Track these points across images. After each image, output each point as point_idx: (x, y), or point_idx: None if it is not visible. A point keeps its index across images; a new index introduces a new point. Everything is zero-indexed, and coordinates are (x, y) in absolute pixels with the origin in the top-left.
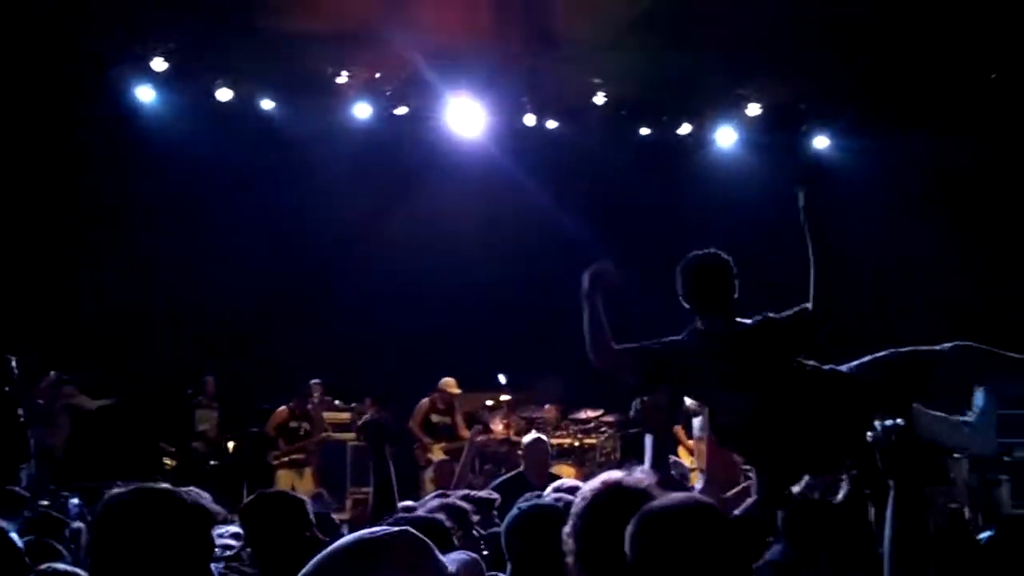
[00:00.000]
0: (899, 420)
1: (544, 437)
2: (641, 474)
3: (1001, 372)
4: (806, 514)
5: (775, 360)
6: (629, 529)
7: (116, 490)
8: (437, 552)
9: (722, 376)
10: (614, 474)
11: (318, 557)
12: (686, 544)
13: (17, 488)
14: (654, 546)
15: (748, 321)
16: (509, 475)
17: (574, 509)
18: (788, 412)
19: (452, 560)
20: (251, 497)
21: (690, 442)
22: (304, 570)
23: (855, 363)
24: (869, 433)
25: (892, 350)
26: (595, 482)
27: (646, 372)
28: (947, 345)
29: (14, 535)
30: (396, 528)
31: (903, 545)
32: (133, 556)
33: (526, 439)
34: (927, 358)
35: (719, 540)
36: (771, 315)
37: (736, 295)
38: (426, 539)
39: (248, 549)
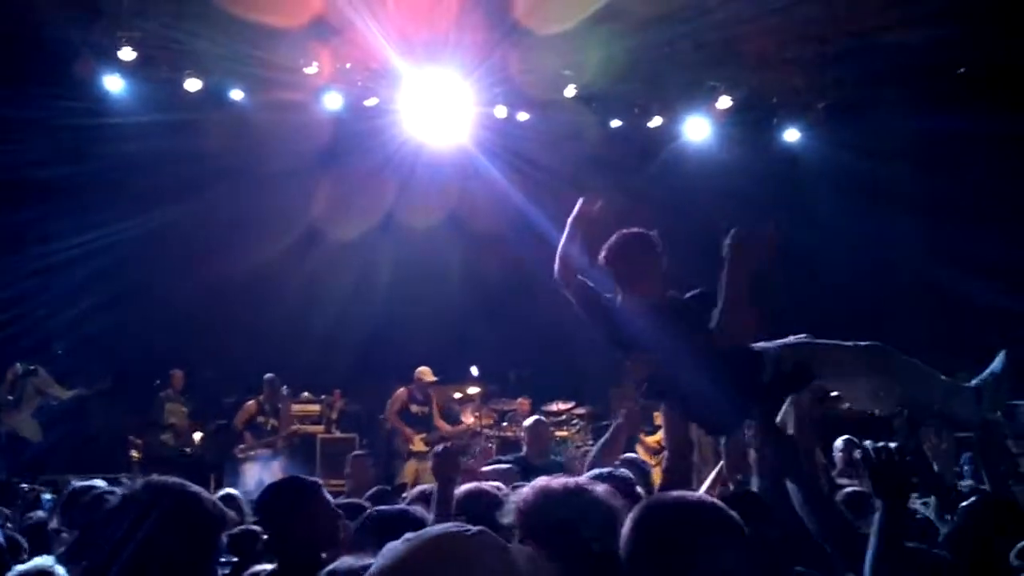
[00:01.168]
0: (890, 442)
1: (544, 419)
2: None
3: (904, 380)
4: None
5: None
6: (627, 524)
7: (148, 480)
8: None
9: (644, 339)
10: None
11: (396, 552)
12: (688, 542)
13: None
14: (654, 543)
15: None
16: (511, 458)
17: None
18: (694, 375)
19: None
20: (268, 485)
21: (649, 439)
22: (383, 563)
23: (777, 343)
24: (858, 451)
25: (808, 339)
26: (528, 491)
27: (589, 311)
28: (860, 343)
29: None
30: (475, 528)
31: (884, 562)
32: (149, 547)
33: (527, 422)
34: (832, 351)
35: (724, 538)
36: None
37: (661, 270)
38: (488, 541)
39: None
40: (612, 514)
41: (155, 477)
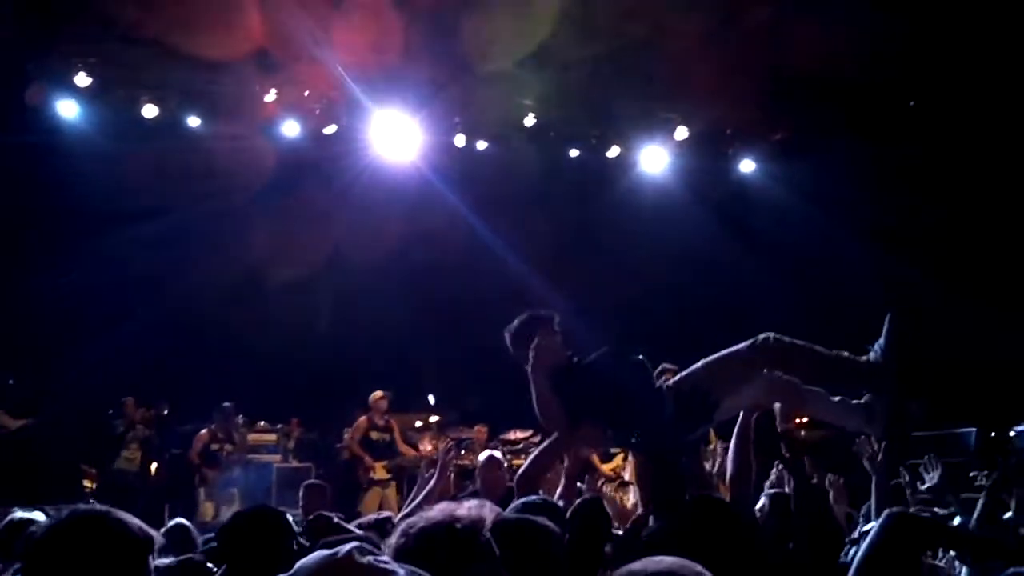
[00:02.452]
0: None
1: (498, 455)
2: (477, 505)
3: (805, 366)
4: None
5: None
6: None
7: (57, 513)
8: (394, 567)
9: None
10: (448, 508)
11: None
12: None
13: None
14: None
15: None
16: (465, 495)
17: (397, 545)
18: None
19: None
20: (232, 515)
21: (605, 467)
22: None
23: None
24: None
25: (703, 361)
26: (422, 518)
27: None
28: (749, 342)
29: None
30: (348, 546)
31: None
32: None
33: (480, 458)
34: (720, 366)
35: None
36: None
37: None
38: (375, 564)
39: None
40: (483, 547)
41: (79, 506)
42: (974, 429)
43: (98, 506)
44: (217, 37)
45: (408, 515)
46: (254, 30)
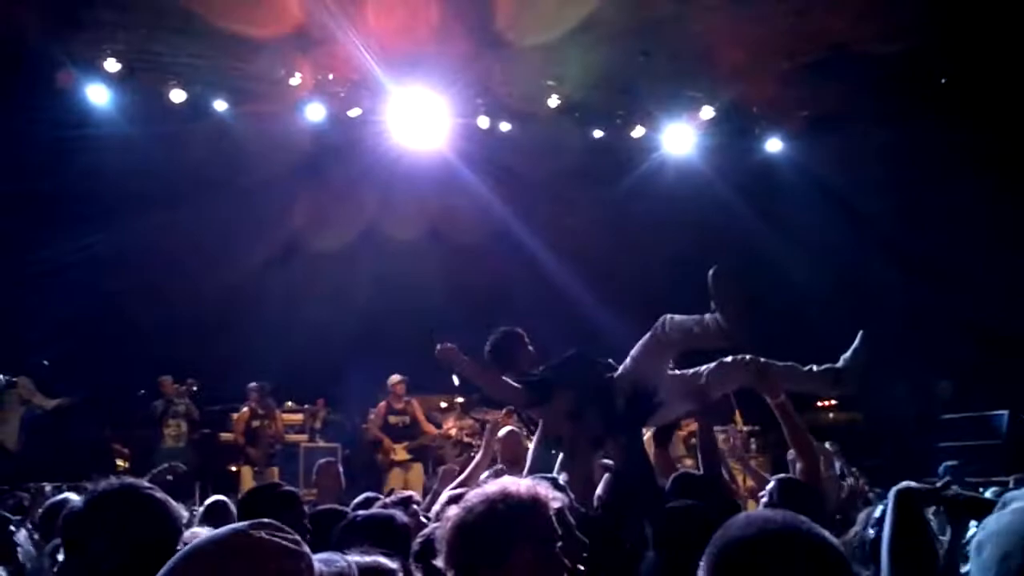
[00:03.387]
0: None
1: (517, 429)
2: (533, 481)
3: (697, 338)
4: (678, 521)
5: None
6: (707, 560)
7: (99, 485)
8: (291, 551)
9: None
10: (505, 482)
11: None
12: None
13: None
14: None
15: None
16: (490, 472)
17: (456, 521)
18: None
19: (323, 560)
20: (248, 490)
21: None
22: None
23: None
24: None
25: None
26: (482, 492)
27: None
28: (655, 326)
29: None
30: (234, 527)
31: None
32: (106, 550)
33: (500, 433)
34: (642, 347)
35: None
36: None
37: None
38: (272, 539)
39: None
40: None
41: (113, 480)
42: (1006, 412)
43: (128, 479)
44: (243, 20)
45: (459, 486)
46: (279, 12)
